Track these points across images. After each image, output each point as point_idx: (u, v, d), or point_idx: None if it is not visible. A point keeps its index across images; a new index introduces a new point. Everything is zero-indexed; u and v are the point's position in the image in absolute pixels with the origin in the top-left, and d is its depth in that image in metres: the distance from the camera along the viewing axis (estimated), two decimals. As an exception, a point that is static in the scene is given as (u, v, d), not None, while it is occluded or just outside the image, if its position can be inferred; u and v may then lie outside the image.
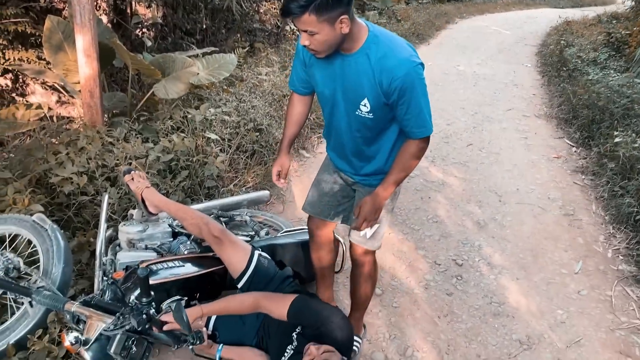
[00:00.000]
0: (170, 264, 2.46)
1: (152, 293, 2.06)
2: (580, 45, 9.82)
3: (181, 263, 2.49)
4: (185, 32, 8.05)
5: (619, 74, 7.49)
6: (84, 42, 3.61)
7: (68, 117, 5.08)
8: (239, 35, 9.15)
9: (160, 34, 7.56)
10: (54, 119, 4.83)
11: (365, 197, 2.15)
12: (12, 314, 2.31)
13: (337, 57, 1.95)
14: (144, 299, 2.04)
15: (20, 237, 2.51)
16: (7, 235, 2.50)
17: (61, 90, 5.46)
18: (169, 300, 2.20)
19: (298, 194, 4.10)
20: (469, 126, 6.22)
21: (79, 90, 4.20)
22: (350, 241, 2.42)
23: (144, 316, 2.03)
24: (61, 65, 4.16)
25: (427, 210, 4.08)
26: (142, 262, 2.43)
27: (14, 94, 5.33)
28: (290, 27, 9.26)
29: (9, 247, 2.49)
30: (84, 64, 3.69)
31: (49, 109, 5.12)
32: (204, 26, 8.36)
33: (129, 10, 7.17)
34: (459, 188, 4.53)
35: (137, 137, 3.82)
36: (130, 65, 4.11)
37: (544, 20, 17.18)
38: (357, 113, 2.01)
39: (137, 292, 2.14)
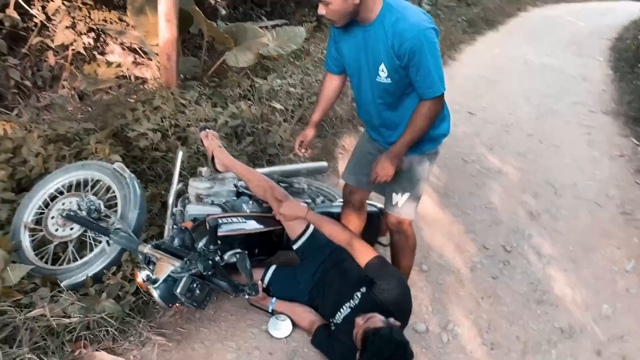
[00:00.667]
0: (235, 219, 2.64)
1: (219, 242, 2.25)
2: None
3: (244, 220, 2.67)
4: (256, 3, 8.22)
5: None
6: (165, 6, 3.81)
7: (142, 78, 5.35)
8: (306, 9, 9.24)
9: (233, 3, 7.74)
10: (131, 78, 5.12)
11: (380, 155, 2.30)
12: (91, 250, 2.56)
13: (359, 29, 2.14)
14: (211, 247, 2.24)
15: (100, 183, 2.75)
16: (89, 180, 2.75)
17: (138, 51, 5.77)
18: (231, 252, 2.39)
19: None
20: (531, 117, 6.13)
21: (157, 53, 4.45)
22: (385, 211, 2.57)
23: (210, 262, 2.23)
24: (142, 27, 4.41)
25: (481, 196, 4.13)
26: (209, 215, 2.62)
27: (95, 52, 5.65)
28: None
29: (91, 190, 2.74)
30: (164, 28, 3.90)
31: (126, 69, 5.43)
32: (274, -1, 8.50)
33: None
34: (515, 177, 4.54)
35: (208, 102, 4.03)
36: (206, 32, 4.30)
37: (624, 13, 16.32)
38: (377, 79, 2.18)
39: (206, 240, 2.32)
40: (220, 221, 2.56)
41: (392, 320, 2.19)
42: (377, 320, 2.16)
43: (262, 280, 2.67)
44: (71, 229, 2.59)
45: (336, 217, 2.95)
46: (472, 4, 11.87)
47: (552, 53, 9.90)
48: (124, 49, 6.16)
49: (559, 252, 3.55)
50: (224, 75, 4.78)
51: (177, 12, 3.89)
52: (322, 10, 2.03)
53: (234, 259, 2.32)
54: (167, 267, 2.30)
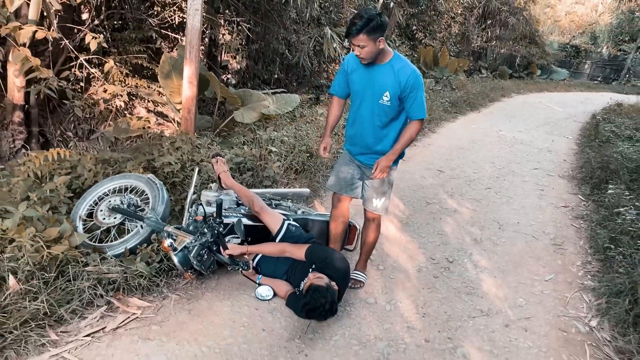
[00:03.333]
0: (233, 214, 3.61)
1: (222, 218, 3.21)
2: (619, 124, 10.58)
3: (240, 215, 3.64)
4: (263, 80, 9.56)
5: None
6: (189, 71, 4.97)
7: (162, 131, 6.47)
8: (307, 88, 10.58)
9: (242, 79, 9.05)
10: (154, 132, 6.23)
11: (381, 157, 3.33)
12: (128, 232, 3.50)
13: (373, 66, 3.24)
14: (217, 220, 3.19)
15: (137, 188, 3.75)
16: (129, 186, 3.75)
17: (158, 114, 6.94)
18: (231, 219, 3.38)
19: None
20: (492, 175, 7.16)
21: (178, 110, 5.57)
22: (364, 209, 3.60)
23: (215, 231, 3.17)
24: (168, 88, 5.56)
25: (436, 226, 5.06)
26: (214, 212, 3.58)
27: (125, 112, 6.82)
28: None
29: (130, 193, 3.73)
30: (187, 87, 5.04)
31: (149, 125, 6.57)
32: (278, 77, 9.85)
33: (219, 58, 8.76)
34: (468, 215, 5.48)
35: (217, 145, 5.09)
36: (219, 93, 5.45)
37: (600, 102, 17.82)
38: (380, 102, 3.26)
39: (214, 214, 3.27)
40: (224, 204, 3.53)
41: (332, 283, 3.12)
42: (322, 279, 3.09)
43: (253, 261, 3.59)
44: (114, 218, 3.56)
45: (311, 222, 3.93)
46: (457, 88, 13.28)
47: (525, 130, 11.11)
48: (148, 111, 7.36)
49: (492, 265, 4.44)
50: (231, 130, 5.87)
51: (197, 76, 5.05)
52: (357, 52, 3.12)
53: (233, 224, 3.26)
54: (184, 240, 3.24)
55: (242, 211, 3.85)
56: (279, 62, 9.47)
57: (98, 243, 3.46)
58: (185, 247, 3.21)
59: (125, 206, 3.55)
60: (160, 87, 6.80)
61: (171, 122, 6.61)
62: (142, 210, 3.60)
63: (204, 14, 6.67)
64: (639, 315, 3.56)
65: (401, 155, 3.46)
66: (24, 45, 3.98)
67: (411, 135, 3.31)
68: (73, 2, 4.47)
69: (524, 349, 3.33)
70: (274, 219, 3.63)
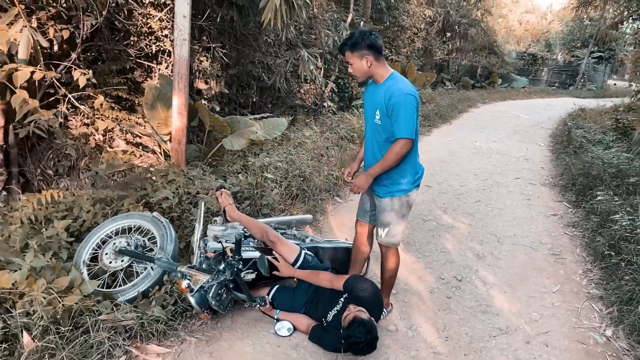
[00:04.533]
0: (246, 248, 3.50)
1: (242, 255, 3.10)
2: (588, 129, 10.91)
3: (254, 250, 3.53)
4: (238, 104, 9.46)
5: (620, 152, 8.50)
6: (178, 102, 4.86)
7: (151, 164, 6.29)
8: (282, 109, 10.53)
9: (220, 104, 8.94)
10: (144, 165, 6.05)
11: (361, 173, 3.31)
12: (137, 275, 3.35)
13: (374, 86, 3.26)
14: (237, 256, 3.07)
15: (142, 227, 3.60)
16: (133, 226, 3.60)
17: (137, 146, 6.76)
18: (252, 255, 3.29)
19: (334, 226, 5.12)
20: (479, 188, 7.24)
21: (166, 141, 5.44)
22: (377, 241, 3.49)
23: (235, 269, 3.06)
24: (154, 120, 5.42)
25: (437, 244, 5.05)
26: (227, 246, 3.47)
27: (105, 146, 6.61)
28: (327, 104, 10.60)
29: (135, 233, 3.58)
30: (176, 118, 4.92)
31: (138, 160, 6.39)
32: (254, 100, 9.77)
33: (194, 85, 8.63)
34: (465, 230, 5.50)
35: (211, 176, 4.97)
36: (208, 122, 5.34)
37: (562, 107, 18.38)
38: (374, 121, 3.24)
39: (234, 250, 3.16)
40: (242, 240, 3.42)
41: (372, 318, 3.05)
42: (365, 314, 3.01)
43: (268, 295, 3.48)
44: (122, 261, 3.40)
45: (322, 250, 3.85)
46: (427, 101, 13.46)
47: (498, 140, 11.32)
48: (128, 143, 7.16)
49: (499, 280, 4.44)
50: (220, 157, 5.76)
51: (187, 106, 4.93)
52: (350, 69, 3.17)
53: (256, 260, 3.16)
54: (200, 280, 3.11)
55: (251, 244, 3.74)
56: (254, 85, 9.41)
57: (106, 288, 3.29)
58: (201, 287, 3.09)
59: (132, 248, 3.40)
60: (139, 117, 6.65)
61: (153, 154, 6.44)
62: (151, 250, 3.45)
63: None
64: (654, 321, 3.60)
65: (403, 188, 3.34)
66: (21, 87, 3.81)
67: (394, 154, 3.15)
68: (58, 38, 4.32)
69: (550, 366, 3.32)
70: (290, 249, 3.53)
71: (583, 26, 29.90)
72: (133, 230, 3.61)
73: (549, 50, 30.62)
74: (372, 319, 3.06)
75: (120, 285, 3.31)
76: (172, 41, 6.74)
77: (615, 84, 33.01)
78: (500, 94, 21.86)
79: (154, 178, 4.57)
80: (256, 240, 3.80)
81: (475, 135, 11.59)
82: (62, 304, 2.74)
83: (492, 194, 7.03)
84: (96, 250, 3.49)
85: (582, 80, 27.99)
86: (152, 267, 3.33)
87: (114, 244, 3.47)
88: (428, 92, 15.19)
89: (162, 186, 4.52)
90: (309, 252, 3.62)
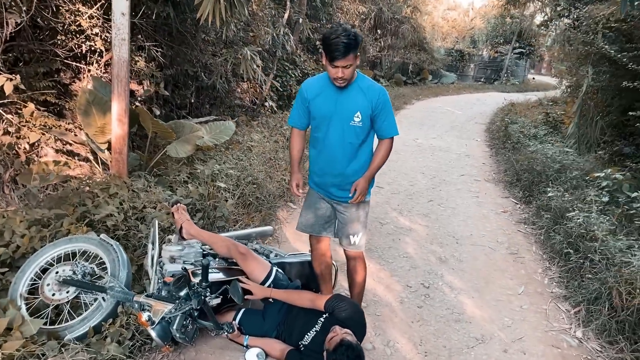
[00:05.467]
0: (210, 271, 3.18)
1: (209, 281, 2.78)
2: (522, 123, 11.23)
3: (217, 271, 3.22)
4: (175, 105, 8.96)
5: (553, 146, 8.77)
6: (119, 108, 4.42)
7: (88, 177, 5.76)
8: (221, 110, 10.11)
9: (155, 106, 8.41)
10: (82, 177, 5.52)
11: (358, 180, 3.08)
12: (86, 309, 2.95)
13: (333, 89, 3.00)
14: (204, 284, 2.76)
15: (88, 252, 3.19)
16: (77, 251, 3.19)
17: (69, 155, 6.19)
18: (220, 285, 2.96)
19: (290, 236, 4.86)
20: (429, 187, 7.20)
21: (103, 150, 4.97)
22: (343, 249, 3.32)
23: (202, 297, 2.75)
24: (91, 127, 4.93)
25: (398, 248, 4.91)
26: (189, 269, 3.14)
27: (33, 155, 6.00)
28: (269, 104, 10.29)
29: (80, 259, 3.17)
30: (116, 126, 4.48)
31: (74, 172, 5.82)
32: (192, 101, 9.30)
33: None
34: (423, 232, 5.40)
35: (157, 187, 4.56)
36: (151, 128, 4.92)
37: (491, 102, 19.05)
38: (350, 124, 3.01)
39: (199, 278, 2.84)
40: (198, 272, 3.10)
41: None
42: (352, 336, 2.78)
43: (235, 320, 3.18)
44: (67, 292, 2.99)
45: (289, 265, 3.59)
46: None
47: (437, 137, 11.44)
48: (56, 152, 6.55)
49: (465, 285, 4.35)
50: (164, 166, 5.34)
51: (128, 112, 4.50)
52: (340, 74, 2.84)
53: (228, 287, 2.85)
54: (161, 310, 2.78)
55: (213, 264, 3.41)
56: (192, 85, 8.95)
57: (50, 325, 2.88)
58: (163, 318, 2.76)
59: (79, 276, 2.99)
60: (69, 123, 6.08)
61: (87, 162, 5.90)
62: (101, 278, 3.06)
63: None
64: (621, 321, 3.61)
65: (370, 185, 3.23)
66: None
67: (385, 154, 3.11)
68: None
69: (531, 375, 3.24)
70: (260, 266, 3.24)
71: (505, 23, 31.12)
72: (78, 255, 3.19)
73: (475, 47, 31.67)
74: (358, 342, 2.85)
75: (67, 321, 2.91)
76: (103, 40, 6.23)
77: (534, 78, 34.71)
78: (432, 90, 22.31)
79: (96, 192, 4.13)
80: (217, 259, 3.48)
81: (415, 133, 11.67)
82: (1, 353, 2.33)
83: (442, 192, 7.01)
84: (35, 280, 3.06)
85: (506, 75, 29.13)
86: (103, 298, 2.94)
87: (57, 273, 3.05)
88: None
89: (105, 201, 4.08)
90: (279, 269, 3.35)
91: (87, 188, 4.41)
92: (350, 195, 3.10)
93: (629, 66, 7.55)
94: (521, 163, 7.69)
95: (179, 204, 3.60)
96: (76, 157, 6.08)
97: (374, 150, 3.16)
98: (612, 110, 9.67)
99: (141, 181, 4.61)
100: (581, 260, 4.49)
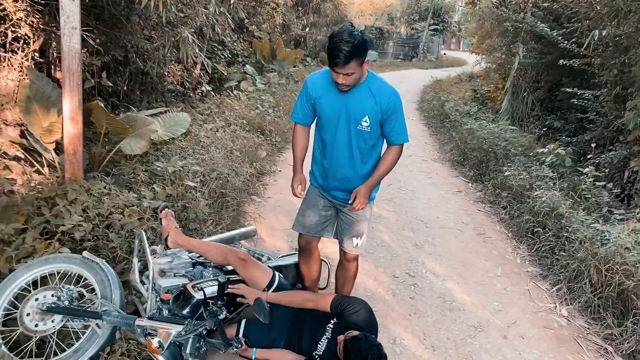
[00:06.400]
0: (210, 283, 2.93)
1: (225, 299, 2.55)
2: (454, 101, 11.52)
3: (216, 283, 2.97)
4: (108, 94, 8.32)
5: (489, 123, 9.06)
6: (72, 105, 3.96)
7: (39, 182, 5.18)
8: (154, 96, 9.52)
9: (98, 99, 7.76)
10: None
11: (360, 186, 2.90)
12: (77, 338, 2.62)
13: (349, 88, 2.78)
14: (219, 302, 2.52)
15: (70, 273, 2.83)
16: (56, 273, 2.82)
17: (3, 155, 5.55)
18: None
19: (264, 232, 4.64)
20: (383, 170, 7.19)
21: (49, 150, 4.49)
22: (343, 250, 3.18)
23: (219, 317, 2.51)
24: (35, 126, 4.42)
25: (375, 237, 4.84)
26: (187, 284, 2.88)
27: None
28: (205, 89, 9.84)
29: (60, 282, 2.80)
30: (69, 125, 4.02)
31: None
32: (124, 89, 8.68)
33: (52, 74, 7.36)
34: (393, 219, 5.38)
35: (121, 190, 4.17)
36: (104, 124, 4.48)
37: (415, 80, 19.47)
38: (358, 128, 2.82)
39: (215, 296, 2.59)
40: (203, 285, 2.85)
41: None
42: (353, 332, 2.63)
43: (238, 333, 2.96)
44: (52, 321, 2.64)
45: (285, 268, 3.41)
46: (299, 80, 13.21)
47: (375, 116, 11.47)
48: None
49: (447, 270, 4.37)
50: (117, 164, 4.91)
51: (81, 110, 4.06)
52: (342, 80, 2.63)
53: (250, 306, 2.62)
54: (169, 333, 2.51)
55: (206, 273, 3.16)
56: (125, 72, 8.34)
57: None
58: (172, 342, 2.50)
59: (66, 302, 2.65)
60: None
61: (31, 166, 5.31)
62: (91, 302, 2.72)
63: (41, 26, 5.54)
64: (605, 297, 3.76)
65: (376, 189, 3.10)
66: None
67: (393, 161, 2.97)
68: None
69: (536, 360, 3.30)
70: (261, 272, 3.01)
71: (419, 0, 31.82)
72: (58, 278, 2.82)
73: (393, 24, 32.13)
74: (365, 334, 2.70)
75: (55, 354, 2.56)
76: (30, 26, 5.59)
77: (445, 54, 35.86)
78: (356, 68, 22.40)
79: (54, 199, 3.70)
80: (210, 268, 3.23)
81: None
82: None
83: (398, 175, 7.02)
84: (11, 309, 2.68)
85: (423, 51, 29.85)
86: (97, 324, 2.62)
87: (37, 300, 2.68)
88: (300, 69, 14.94)
89: (66, 209, 3.67)
90: (280, 275, 3.15)
91: (39, 195, 3.96)
92: (350, 202, 2.94)
93: (561, 44, 7.87)
94: (467, 142, 7.86)
95: (167, 210, 3.29)
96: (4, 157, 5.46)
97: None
98: (541, 86, 10.15)
99: (99, 184, 4.20)
100: (551, 239, 4.64)
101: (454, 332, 3.50)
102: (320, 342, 2.81)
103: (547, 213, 4.88)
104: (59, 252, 3.05)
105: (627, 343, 3.39)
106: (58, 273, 2.83)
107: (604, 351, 3.45)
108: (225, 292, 2.60)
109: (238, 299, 2.87)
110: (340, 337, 2.65)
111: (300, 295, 2.98)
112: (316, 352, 2.82)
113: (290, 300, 2.92)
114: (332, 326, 2.83)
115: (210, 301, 2.58)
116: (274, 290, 3.01)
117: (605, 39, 6.55)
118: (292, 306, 2.94)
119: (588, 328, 3.70)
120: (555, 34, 8.23)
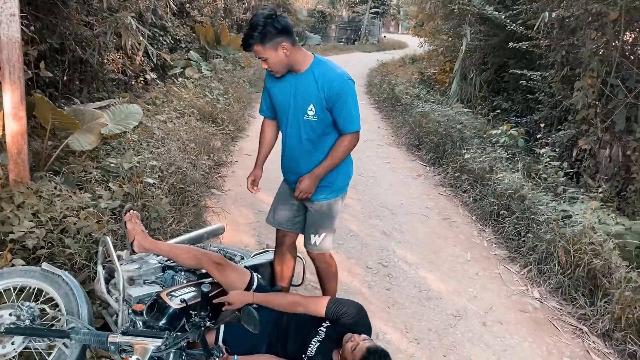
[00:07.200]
0: (185, 290, 2.73)
1: (209, 308, 2.36)
2: (403, 84, 11.55)
3: (192, 289, 2.77)
4: (45, 83, 7.79)
5: (439, 105, 9.13)
6: (14, 99, 3.60)
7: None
8: (94, 86, 9.00)
9: (38, 92, 7.24)
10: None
11: (304, 175, 2.74)
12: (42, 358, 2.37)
13: (292, 77, 2.66)
14: (203, 313, 2.34)
15: (27, 288, 2.56)
16: (12, 289, 2.54)
17: None
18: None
19: (228, 227, 4.43)
20: (341, 157, 7.09)
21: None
22: (306, 249, 3.02)
23: (202, 329, 2.33)
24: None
25: (342, 227, 4.73)
26: (161, 292, 2.66)
27: None
28: (150, 76, 9.40)
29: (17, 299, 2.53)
30: (12, 121, 3.66)
31: None
32: (63, 79, 8.14)
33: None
34: (358, 207, 5.29)
35: (74, 190, 3.85)
36: (51, 119, 4.13)
37: (360, 63, 19.43)
38: (305, 118, 2.67)
39: (199, 307, 2.39)
40: (177, 293, 2.65)
41: None
42: (371, 341, 2.53)
43: (217, 340, 2.78)
44: (12, 343, 2.37)
45: (262, 267, 3.24)
46: (246, 66, 12.88)
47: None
48: None
49: (418, 258, 4.33)
50: (65, 161, 4.55)
51: (24, 104, 3.71)
52: (263, 64, 2.53)
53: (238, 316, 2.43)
54: (147, 349, 2.31)
55: (179, 278, 2.94)
56: (63, 61, 7.82)
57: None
58: (151, 357, 2.30)
59: (27, 322, 2.38)
60: None
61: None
62: (56, 320, 2.46)
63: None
64: (576, 278, 3.83)
65: (342, 186, 2.95)
66: None
67: (345, 151, 2.77)
68: None
69: (517, 346, 3.29)
70: (239, 274, 2.82)
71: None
72: (14, 295, 2.54)
73: (335, 8, 31.94)
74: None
75: (18, 381, 2.32)
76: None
77: (385, 37, 36.08)
78: (300, 52, 22.15)
79: (2, 204, 3.37)
80: (182, 272, 3.02)
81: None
82: None
83: (356, 160, 6.78)
84: (-41, 334, 2.39)
85: (365, 35, 29.89)
86: (64, 344, 2.38)
87: (-8, 321, 2.41)
88: (246, 54, 14.54)
89: (14, 215, 3.35)
90: (258, 275, 2.99)
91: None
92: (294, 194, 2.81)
93: (508, 26, 7.96)
94: (423, 126, 7.86)
95: (132, 212, 3.03)
96: None
97: None
98: (487, 68, 10.31)
99: (48, 184, 3.87)
100: (515, 221, 4.69)
101: (435, 322, 3.45)
102: (310, 345, 2.67)
103: (510, 195, 4.93)
104: (13, 265, 2.77)
105: (601, 322, 3.45)
106: (14, 289, 2.55)
107: (580, 331, 3.50)
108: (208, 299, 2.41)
109: (224, 308, 2.70)
110: (357, 339, 2.50)
111: (289, 298, 2.81)
112: (306, 354, 2.68)
113: (278, 303, 2.76)
114: (324, 329, 2.70)
115: (193, 312, 2.38)
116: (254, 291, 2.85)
117: (552, 21, 6.67)
118: (278, 310, 2.79)
119: (561, 309, 3.75)
120: (502, 16, 8.33)
